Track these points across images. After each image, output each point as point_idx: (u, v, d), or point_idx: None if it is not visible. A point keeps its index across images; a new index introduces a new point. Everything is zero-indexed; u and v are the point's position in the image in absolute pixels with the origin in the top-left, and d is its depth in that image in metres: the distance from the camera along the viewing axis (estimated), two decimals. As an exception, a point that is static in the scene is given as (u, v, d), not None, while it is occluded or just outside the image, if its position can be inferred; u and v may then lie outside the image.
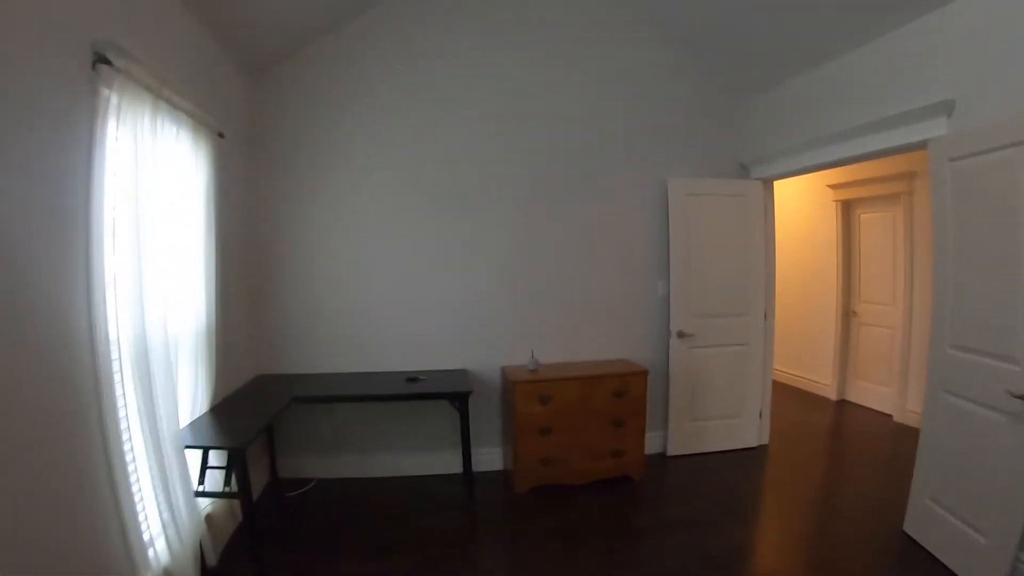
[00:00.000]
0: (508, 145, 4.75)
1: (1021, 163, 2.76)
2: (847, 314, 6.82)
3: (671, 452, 5.00)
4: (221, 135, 3.69)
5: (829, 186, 6.74)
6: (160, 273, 2.78)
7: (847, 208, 6.72)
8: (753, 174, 5.13)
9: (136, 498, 2.59)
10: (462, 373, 4.51)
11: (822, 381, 7.10)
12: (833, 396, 6.91)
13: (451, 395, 3.98)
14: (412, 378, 4.26)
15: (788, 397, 6.97)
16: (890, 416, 6.20)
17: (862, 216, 6.57)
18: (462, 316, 4.71)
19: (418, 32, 4.60)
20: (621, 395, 4.37)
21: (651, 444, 4.97)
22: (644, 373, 4.46)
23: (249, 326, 4.37)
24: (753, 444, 5.21)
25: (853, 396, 6.81)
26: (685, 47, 4.96)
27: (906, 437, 5.52)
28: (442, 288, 4.67)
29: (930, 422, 3.49)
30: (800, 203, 7.28)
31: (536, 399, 4.21)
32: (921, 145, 3.55)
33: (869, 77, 3.89)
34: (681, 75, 5.06)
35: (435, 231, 4.65)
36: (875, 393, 6.49)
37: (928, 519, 3.42)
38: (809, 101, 4.46)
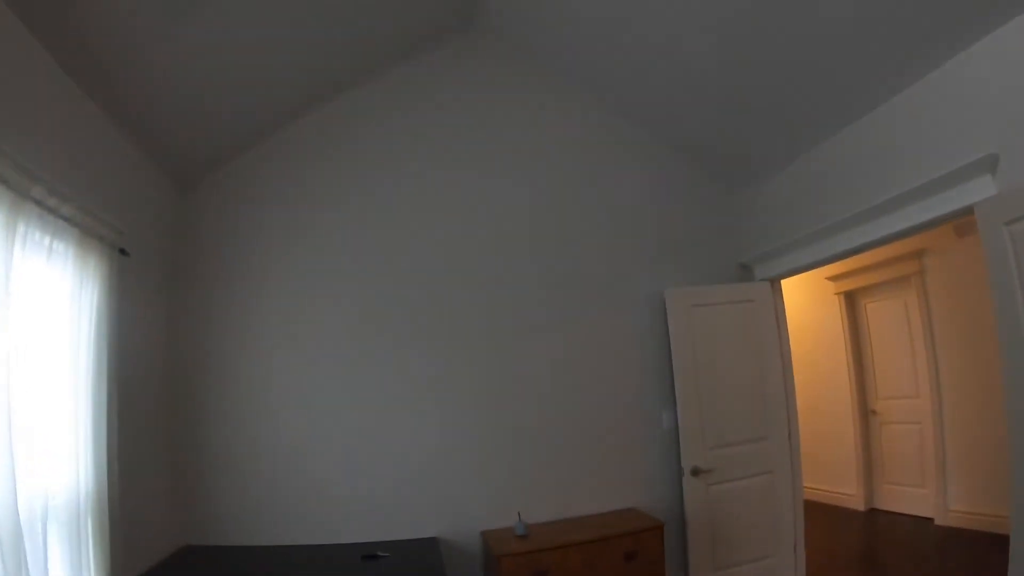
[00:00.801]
0: (477, 266, 4.15)
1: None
2: (866, 414, 6.17)
3: (698, 610, 4.16)
4: (123, 251, 2.93)
5: (828, 279, 6.25)
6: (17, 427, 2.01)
7: (851, 300, 6.21)
8: (758, 275, 4.57)
9: None
10: (432, 544, 3.61)
11: (846, 491, 6.33)
12: (861, 507, 6.13)
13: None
14: (370, 555, 3.36)
15: (812, 515, 6.10)
16: (931, 520, 5.46)
17: (868, 306, 6.06)
18: (430, 470, 3.88)
19: (372, 142, 4.09)
20: (633, 557, 3.57)
21: (674, 602, 4.17)
22: (659, 528, 3.70)
23: (171, 485, 3.50)
24: (789, 589, 4.41)
25: (883, 503, 6.05)
26: (668, 134, 4.53)
27: (957, 542, 4.84)
28: (406, 436, 3.87)
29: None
30: (799, 301, 6.70)
31: (529, 574, 3.39)
32: (959, 213, 3.05)
33: (888, 142, 3.39)
34: (669, 168, 4.61)
35: (396, 367, 3.91)
36: (909, 497, 5.76)
37: None
38: (817, 182, 3.99)
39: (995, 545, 4.66)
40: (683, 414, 4.14)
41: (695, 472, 4.10)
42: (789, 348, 4.58)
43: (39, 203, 2.21)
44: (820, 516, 6.06)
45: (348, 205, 4.02)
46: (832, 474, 6.51)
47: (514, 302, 4.14)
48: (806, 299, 6.64)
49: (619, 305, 4.33)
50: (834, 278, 6.16)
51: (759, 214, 4.54)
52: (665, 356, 4.28)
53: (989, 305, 4.94)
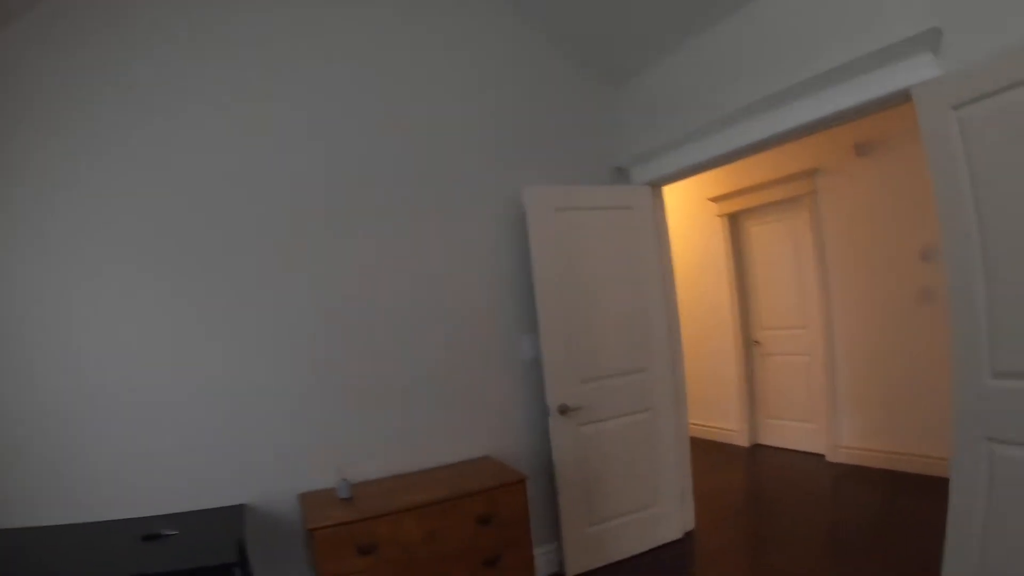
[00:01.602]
0: (288, 166, 3.12)
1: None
2: (748, 345, 5.81)
3: (572, 573, 3.49)
4: None
5: (711, 200, 5.76)
6: None
7: (735, 223, 5.74)
8: (636, 179, 3.92)
9: None
10: (237, 513, 2.71)
11: (730, 427, 5.99)
12: (744, 442, 5.81)
13: (213, 571, 2.22)
14: (151, 534, 2.41)
15: (697, 453, 5.71)
16: (821, 456, 5.16)
17: (753, 230, 5.62)
18: (236, 423, 2.92)
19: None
20: (489, 520, 2.85)
21: (542, 564, 3.51)
22: (520, 482, 2.97)
23: None
24: (677, 535, 3.86)
25: (768, 439, 5.75)
26: (536, 14, 3.69)
27: (851, 480, 4.57)
28: (201, 378, 2.86)
29: (967, 489, 2.33)
30: (679, 223, 6.19)
31: (352, 549, 2.56)
32: (891, 99, 2.49)
33: (804, 18, 2.80)
34: (540, 57, 3.81)
35: (188, 289, 2.87)
36: (795, 432, 5.47)
37: None
38: (714, 68, 3.35)
39: (891, 482, 4.41)
40: (547, 341, 3.41)
41: (563, 410, 3.41)
42: (671, 265, 3.99)
43: None
44: (705, 454, 5.67)
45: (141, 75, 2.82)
46: (716, 409, 6.15)
47: (338, 210, 3.20)
48: (687, 222, 6.16)
49: (472, 214, 3.52)
50: (717, 199, 5.69)
51: (641, 109, 3.85)
52: (526, 273, 3.55)
53: (887, 229, 4.60)
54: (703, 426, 6.27)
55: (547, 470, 3.53)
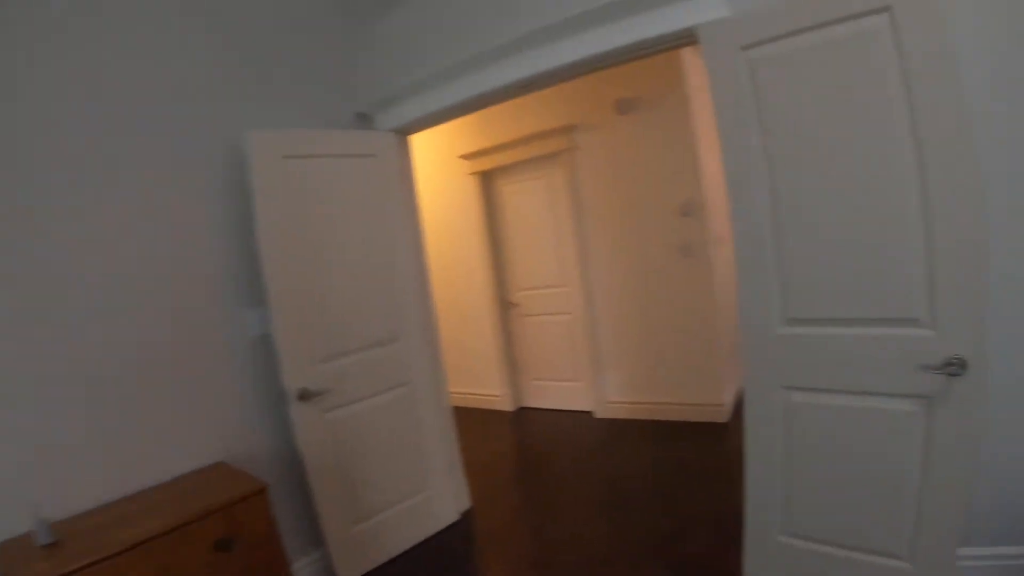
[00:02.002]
0: None
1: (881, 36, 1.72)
2: (505, 308, 5.71)
3: (341, 579, 3.06)
4: None
5: (463, 157, 5.49)
6: None
7: (487, 181, 5.55)
8: (380, 126, 3.45)
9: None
10: None
11: (493, 392, 5.87)
12: (510, 407, 5.74)
13: None
14: None
15: (462, 423, 5.51)
16: (590, 413, 5.23)
17: (507, 188, 5.46)
18: None
19: None
20: (231, 544, 2.23)
21: (308, 574, 3.02)
22: (262, 492, 2.37)
23: None
24: (454, 517, 3.57)
25: (534, 401, 5.72)
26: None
27: (622, 434, 4.64)
28: None
29: (763, 438, 2.27)
30: (431, 182, 5.86)
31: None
32: (673, 38, 2.35)
33: None
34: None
35: None
36: (560, 392, 5.49)
37: (795, 561, 2.27)
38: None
39: (660, 432, 4.54)
40: (278, 314, 2.82)
41: (304, 396, 2.87)
42: (420, 224, 3.61)
43: None
44: (471, 424, 5.46)
45: None
46: (479, 375, 5.99)
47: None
48: (439, 182, 5.83)
49: (186, 167, 2.76)
50: (470, 157, 5.43)
51: (387, 48, 3.36)
52: (252, 233, 2.89)
53: (647, 186, 4.54)
54: (465, 394, 6.08)
55: (297, 468, 2.97)
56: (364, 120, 3.46)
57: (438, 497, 3.49)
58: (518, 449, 4.78)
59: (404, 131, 3.41)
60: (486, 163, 5.36)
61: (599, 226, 4.88)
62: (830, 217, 1.92)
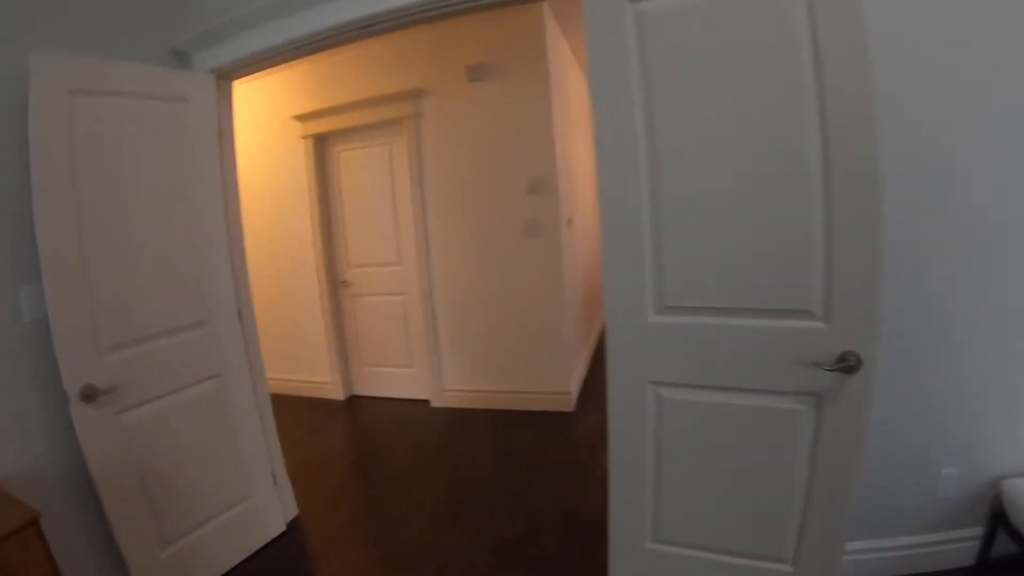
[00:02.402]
0: None
1: None
2: (335, 286, 5.23)
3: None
4: None
5: (295, 118, 4.89)
6: None
7: (321, 145, 5.00)
8: (199, 66, 2.85)
9: None
10: None
11: (321, 379, 5.38)
12: (340, 395, 5.28)
13: None
14: None
15: (287, 416, 5.00)
16: (426, 402, 4.93)
17: (343, 155, 4.96)
18: None
19: None
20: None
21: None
22: (31, 524, 1.80)
23: None
24: (281, 527, 3.10)
25: (366, 389, 5.32)
26: None
27: (461, 424, 4.42)
28: None
29: (627, 436, 2.08)
30: (256, 143, 5.22)
31: None
32: None
33: None
34: None
35: None
36: (396, 379, 5.14)
37: (666, 568, 2.14)
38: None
39: (501, 422, 4.36)
40: (55, 293, 2.19)
41: (89, 395, 2.27)
42: (237, 186, 3.05)
43: None
44: (296, 415, 4.96)
45: None
46: (302, 360, 5.47)
47: None
48: (265, 143, 5.18)
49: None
50: (303, 118, 4.83)
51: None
52: (28, 188, 2.21)
53: (494, 160, 4.27)
54: (291, 381, 5.53)
55: (82, 487, 2.38)
56: (181, 59, 2.84)
57: (263, 506, 3.02)
58: (351, 443, 4.36)
59: (226, 74, 2.84)
60: (322, 126, 4.81)
61: (442, 201, 4.56)
62: (718, 196, 1.77)
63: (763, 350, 1.81)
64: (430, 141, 4.51)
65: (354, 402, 5.23)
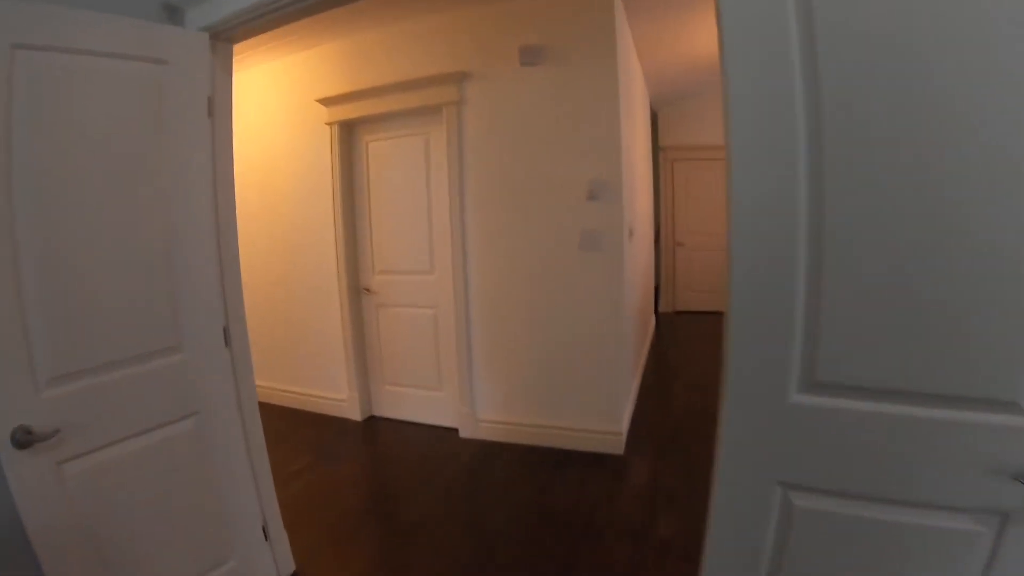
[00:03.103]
0: None
1: None
2: (357, 293, 4.69)
3: None
4: None
5: (320, 101, 4.38)
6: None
7: (348, 134, 4.48)
8: (191, 23, 2.33)
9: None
10: None
11: (338, 396, 4.86)
12: (357, 415, 4.75)
13: None
14: None
15: (298, 435, 4.51)
16: (454, 431, 4.36)
17: (372, 145, 4.44)
18: None
19: None
20: None
21: None
22: None
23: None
24: (267, 593, 2.63)
25: (387, 410, 4.78)
26: None
27: (498, 461, 3.86)
28: None
29: (732, 551, 1.50)
30: (275, 128, 4.75)
31: None
32: None
33: None
34: None
35: None
36: (419, 402, 4.59)
37: None
38: None
39: (540, 461, 3.78)
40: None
41: (23, 440, 1.75)
42: (231, 175, 2.47)
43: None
44: (309, 433, 4.47)
45: None
46: (318, 373, 4.96)
47: None
48: (284, 129, 4.70)
49: None
50: (329, 101, 4.32)
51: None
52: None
53: (547, 158, 3.64)
54: (304, 395, 5.04)
55: (25, 554, 1.87)
56: (173, 15, 2.33)
57: (250, 567, 2.49)
58: (365, 475, 3.82)
59: (223, 34, 2.31)
60: (350, 111, 4.29)
61: (484, 202, 3.99)
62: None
63: (949, 451, 1.22)
64: (473, 132, 3.94)
65: (372, 424, 4.70)
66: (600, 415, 3.85)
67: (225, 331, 2.36)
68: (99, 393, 1.95)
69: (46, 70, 1.78)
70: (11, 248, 1.72)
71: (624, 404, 3.95)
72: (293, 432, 4.58)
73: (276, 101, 4.68)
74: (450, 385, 4.39)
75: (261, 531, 2.57)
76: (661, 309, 8.56)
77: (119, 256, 1.98)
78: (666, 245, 8.44)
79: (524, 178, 3.82)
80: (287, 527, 2.79)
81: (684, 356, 6.35)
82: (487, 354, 4.15)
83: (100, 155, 1.92)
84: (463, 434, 4.30)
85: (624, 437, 3.89)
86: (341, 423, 4.73)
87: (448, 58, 3.91)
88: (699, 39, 4.92)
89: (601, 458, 3.78)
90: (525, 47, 3.63)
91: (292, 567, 2.77)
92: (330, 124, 4.41)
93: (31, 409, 1.79)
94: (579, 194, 3.66)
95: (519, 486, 3.49)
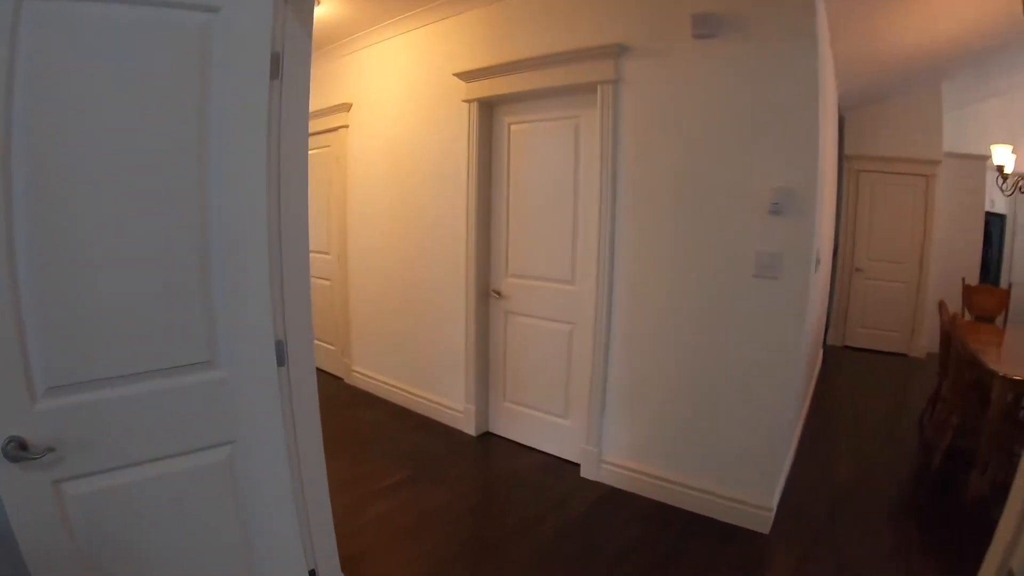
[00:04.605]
0: None
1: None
2: (486, 295, 4.28)
3: None
4: None
5: (457, 75, 3.99)
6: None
7: (488, 114, 4.05)
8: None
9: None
10: None
11: (454, 407, 4.50)
12: (471, 429, 4.37)
13: None
14: None
15: (405, 441, 4.21)
16: (575, 467, 3.83)
17: (515, 128, 3.97)
18: None
19: None
20: None
21: None
22: None
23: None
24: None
25: (504, 428, 4.34)
26: None
27: (622, 514, 3.28)
28: None
29: None
30: (404, 105, 4.49)
31: None
32: None
33: None
34: None
35: None
36: (541, 426, 4.10)
37: None
38: None
39: (668, 524, 3.17)
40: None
41: (14, 455, 1.46)
42: (304, 147, 2.03)
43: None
44: (413, 443, 4.20)
45: None
46: (437, 378, 4.65)
47: None
48: (413, 106, 4.42)
49: None
50: (467, 76, 3.91)
51: None
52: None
53: (721, 158, 2.72)
54: (417, 398, 4.80)
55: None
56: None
57: (286, 624, 2.15)
58: (464, 505, 3.38)
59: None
60: (489, 88, 3.86)
61: (639, 204, 3.36)
62: None
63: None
64: (631, 119, 3.33)
65: (486, 442, 4.29)
66: (748, 481, 3.12)
67: (279, 346, 2.00)
68: (105, 409, 1.63)
69: (57, 23, 1.47)
70: (7, 235, 1.45)
71: (780, 472, 3.20)
72: (397, 436, 4.31)
73: (413, 74, 4.39)
74: (577, 415, 3.85)
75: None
76: (829, 341, 7.47)
77: (139, 251, 1.63)
78: (843, 269, 7.38)
79: (690, 178, 3.15)
80: (357, 555, 2.44)
81: (854, 404, 5.38)
82: (623, 388, 3.54)
83: (121, 129, 1.58)
84: (584, 473, 3.74)
85: (774, 513, 3.14)
86: (452, 435, 4.38)
87: (604, 27, 3.33)
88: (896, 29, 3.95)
89: (739, 533, 3.06)
90: (700, 15, 2.95)
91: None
92: (468, 101, 4.00)
93: (24, 419, 1.51)
94: (758, 205, 2.93)
95: (636, 555, 2.88)
